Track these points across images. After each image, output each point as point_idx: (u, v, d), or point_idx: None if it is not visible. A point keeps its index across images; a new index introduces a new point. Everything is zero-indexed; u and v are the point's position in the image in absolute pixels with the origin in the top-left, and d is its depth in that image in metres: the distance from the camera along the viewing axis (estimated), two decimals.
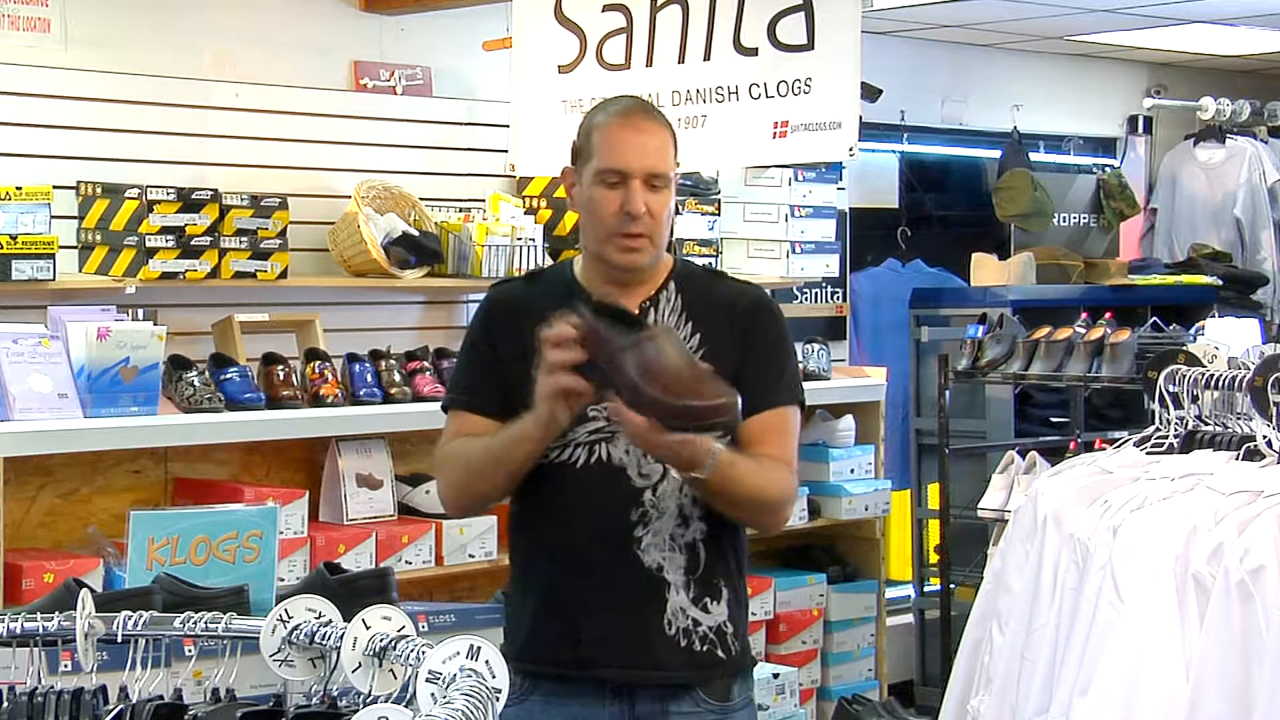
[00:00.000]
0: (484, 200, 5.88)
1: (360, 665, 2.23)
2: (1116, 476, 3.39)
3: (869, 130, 6.46)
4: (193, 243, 4.98)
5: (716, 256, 6.31)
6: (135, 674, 2.37)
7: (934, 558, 6.88)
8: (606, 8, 5.00)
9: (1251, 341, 4.65)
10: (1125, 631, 3.11)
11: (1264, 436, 3.28)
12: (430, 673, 1.99)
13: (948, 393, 6.49)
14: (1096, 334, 6.00)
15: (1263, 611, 2.97)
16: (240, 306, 5.29)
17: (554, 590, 3.03)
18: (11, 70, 5.00)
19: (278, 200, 5.16)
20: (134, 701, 2.34)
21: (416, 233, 5.51)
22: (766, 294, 3.18)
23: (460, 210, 5.81)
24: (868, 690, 6.40)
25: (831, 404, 6.43)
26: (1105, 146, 8.81)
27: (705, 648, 3.00)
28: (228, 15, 5.51)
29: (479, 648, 2.02)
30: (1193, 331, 5.59)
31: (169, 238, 4.94)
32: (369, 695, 2.22)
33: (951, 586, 6.49)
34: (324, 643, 2.32)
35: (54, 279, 4.75)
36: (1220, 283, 8.02)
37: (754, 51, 4.74)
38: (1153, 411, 3.51)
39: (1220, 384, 3.39)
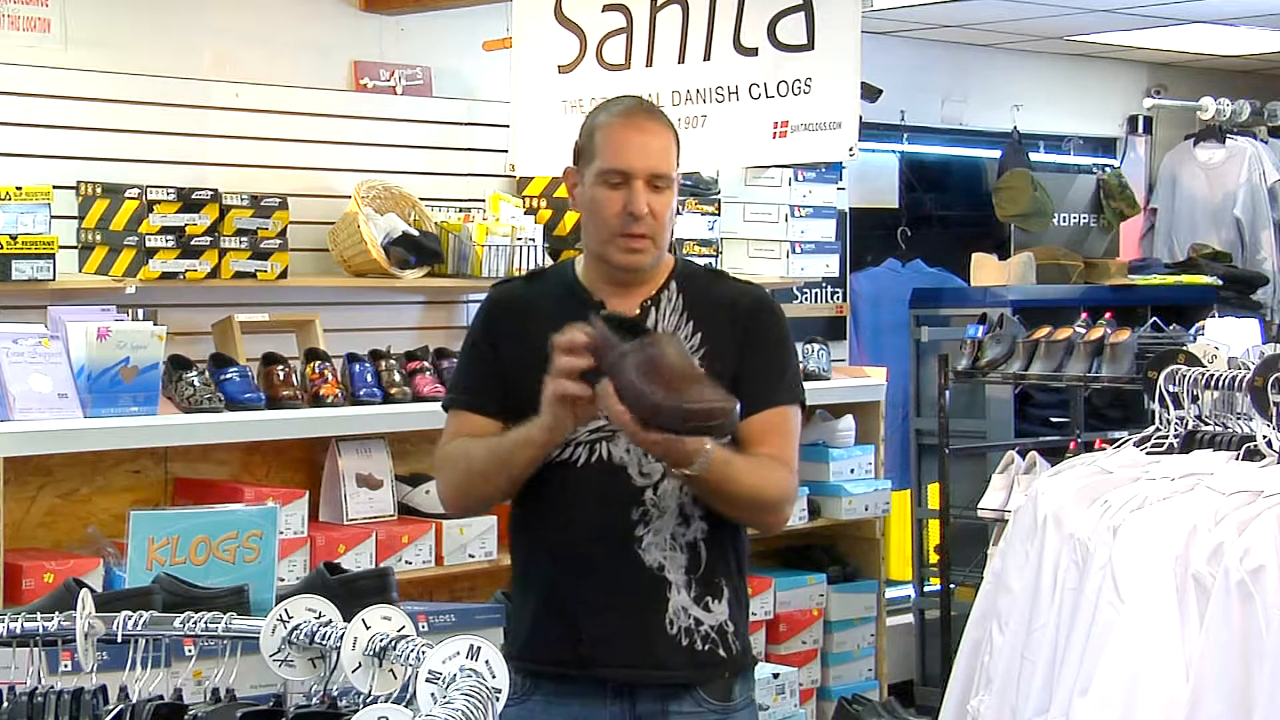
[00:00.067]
0: (484, 200, 5.88)
1: (360, 665, 2.23)
2: (1116, 476, 3.39)
3: (869, 130, 6.46)
4: (193, 243, 4.98)
5: (716, 256, 6.31)
6: (135, 674, 2.37)
7: (934, 558, 6.88)
8: (606, 8, 4.99)
9: (1251, 341, 4.65)
10: (1125, 631, 3.11)
11: (1264, 436, 3.28)
12: (430, 673, 1.99)
13: (948, 393, 6.49)
14: (1096, 334, 6.00)
15: (1263, 611, 2.97)
16: (240, 306, 5.29)
17: (554, 589, 3.03)
18: (11, 70, 5.00)
19: (278, 200, 5.16)
20: (134, 701, 2.34)
21: (416, 233, 5.51)
22: (767, 294, 3.17)
23: (460, 210, 5.82)
24: (868, 690, 6.40)
25: (831, 404, 6.43)
26: (1105, 146, 8.81)
27: (706, 647, 3.00)
28: (228, 15, 5.51)
29: (479, 648, 2.02)
30: (1193, 331, 5.59)
31: (169, 238, 4.94)
32: (369, 695, 2.22)
33: (951, 586, 6.49)
34: (324, 643, 2.32)
35: (54, 279, 4.75)
36: (1220, 283, 8.02)
37: (754, 51, 4.74)
38: (1153, 411, 3.51)
39: (1220, 384, 3.39)
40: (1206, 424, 3.45)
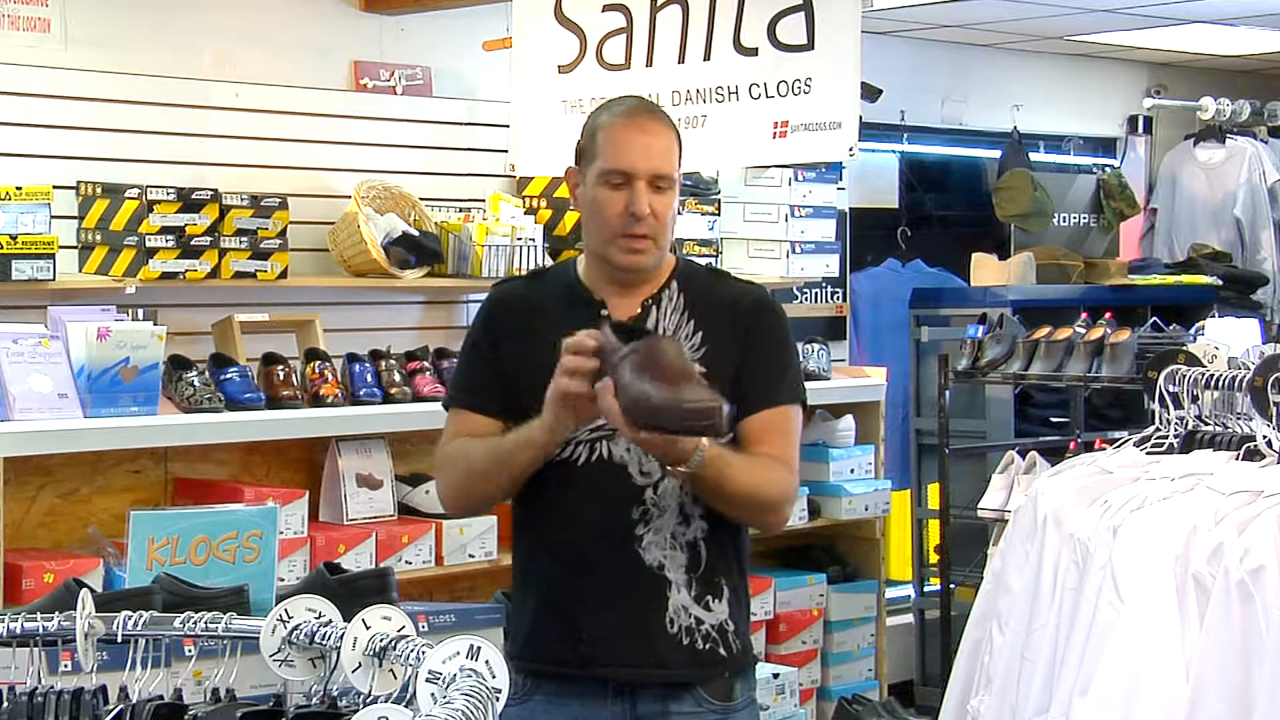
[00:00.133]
0: (484, 200, 5.88)
1: (360, 665, 2.23)
2: (1116, 476, 3.39)
3: (869, 130, 6.46)
4: (193, 243, 4.98)
5: (716, 256, 6.31)
6: (135, 674, 2.37)
7: (934, 558, 6.88)
8: (606, 8, 4.99)
9: (1251, 341, 4.65)
10: (1125, 631, 3.11)
11: (1264, 436, 3.28)
12: (430, 673, 1.99)
13: (948, 393, 6.49)
14: (1096, 334, 6.00)
15: (1263, 611, 2.97)
16: (240, 306, 5.29)
17: (555, 588, 3.03)
18: (11, 70, 5.00)
19: (278, 200, 5.16)
20: (134, 701, 2.34)
21: (416, 233, 5.51)
22: (768, 293, 3.17)
23: (460, 210, 5.81)
24: (868, 690, 6.40)
25: (831, 404, 6.43)
26: (1105, 146, 8.81)
27: (707, 646, 3.00)
28: (228, 15, 5.51)
29: (479, 648, 2.02)
30: (1193, 331, 5.59)
31: (169, 238, 4.94)
32: (369, 695, 2.22)
33: (951, 586, 6.48)
34: (324, 643, 2.32)
35: (54, 279, 4.75)
36: (1220, 283, 8.02)
37: (754, 51, 4.74)
38: (1153, 411, 3.51)
39: (1220, 384, 3.39)
40: (1206, 424, 3.45)
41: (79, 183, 5.06)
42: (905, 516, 7.39)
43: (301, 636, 2.34)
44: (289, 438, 5.18)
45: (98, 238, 5.01)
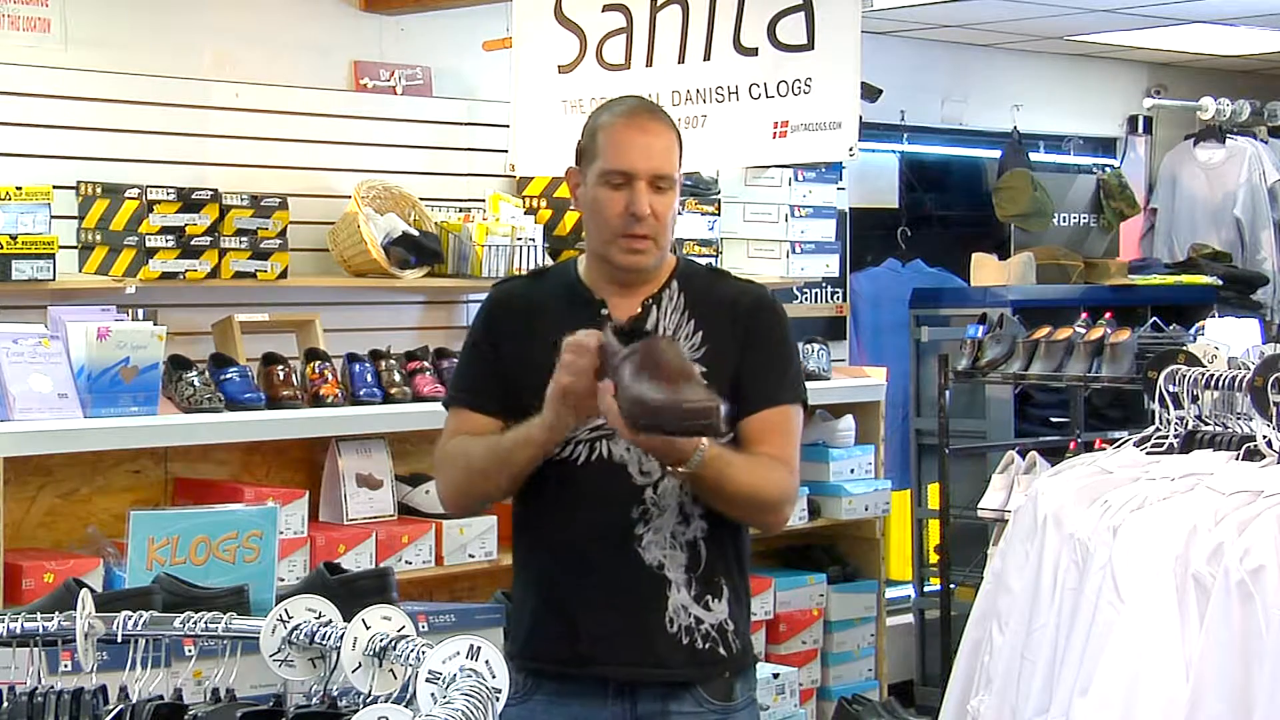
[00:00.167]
0: (484, 200, 5.88)
1: (360, 665, 2.23)
2: (1116, 476, 3.39)
3: (869, 130, 6.46)
4: (193, 243, 4.98)
5: (716, 256, 6.31)
6: (135, 674, 2.37)
7: (934, 558, 6.88)
8: (606, 8, 4.99)
9: (1251, 341, 4.65)
10: (1125, 631, 3.11)
11: (1264, 436, 3.28)
12: (430, 673, 1.99)
13: (948, 393, 6.49)
14: (1096, 334, 6.00)
15: (1263, 611, 2.97)
16: (240, 306, 5.29)
17: (554, 588, 3.03)
18: (11, 70, 5.00)
19: (278, 200, 5.16)
20: (134, 701, 2.34)
21: (416, 233, 5.51)
22: (769, 293, 3.17)
23: (460, 210, 5.81)
24: (868, 690, 6.39)
25: (831, 404, 6.43)
26: (1105, 146, 8.81)
27: (706, 645, 3.00)
28: (228, 15, 5.51)
29: (479, 648, 2.02)
30: (1193, 331, 5.59)
31: (169, 238, 4.94)
32: (369, 695, 2.22)
33: (951, 586, 6.48)
34: (324, 643, 2.32)
35: (54, 279, 4.75)
36: (1220, 283, 8.02)
37: (754, 51, 4.74)
38: (1153, 411, 3.51)
39: (1220, 384, 3.39)
40: (1206, 424, 3.45)
41: (79, 183, 5.06)
42: (905, 516, 7.39)
43: (301, 636, 2.34)
44: (289, 438, 5.18)
45: (98, 238, 5.01)
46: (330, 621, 2.35)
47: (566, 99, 5.03)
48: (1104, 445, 4.05)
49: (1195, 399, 3.44)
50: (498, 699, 1.95)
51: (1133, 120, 8.78)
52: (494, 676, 1.99)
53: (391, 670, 2.21)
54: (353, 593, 3.08)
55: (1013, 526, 3.56)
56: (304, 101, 5.58)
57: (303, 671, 2.36)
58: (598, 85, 4.91)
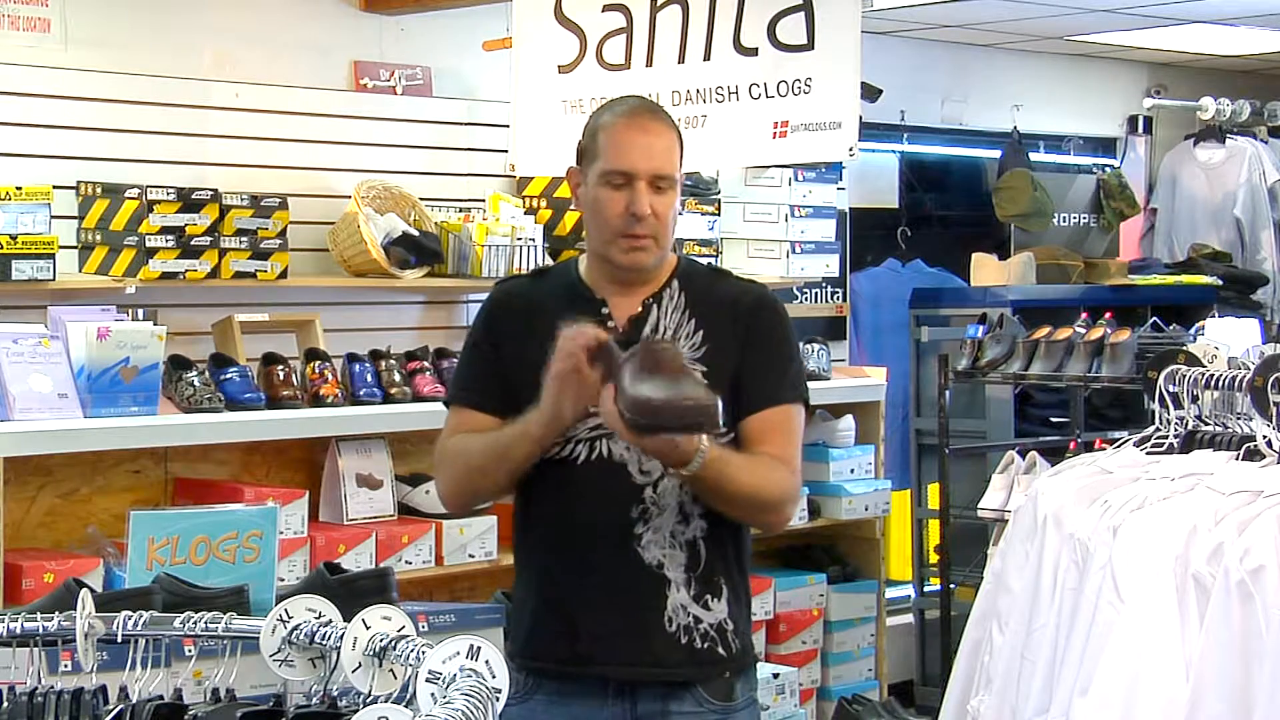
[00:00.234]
0: (484, 200, 5.88)
1: (360, 665, 2.23)
2: (1116, 476, 3.39)
3: (869, 130, 6.46)
4: (193, 243, 4.98)
5: (716, 256, 6.31)
6: (135, 674, 2.37)
7: (934, 558, 6.88)
8: (606, 8, 4.99)
9: (1251, 341, 4.65)
10: (1125, 631, 3.11)
11: (1264, 436, 3.28)
12: (430, 673, 1.99)
13: (948, 393, 6.49)
14: (1096, 334, 6.00)
15: (1263, 611, 2.97)
16: (240, 306, 5.29)
17: (554, 587, 3.03)
18: (11, 70, 5.00)
19: (278, 200, 5.16)
20: (134, 701, 2.34)
21: (416, 233, 5.51)
22: (770, 292, 3.18)
23: (460, 210, 5.81)
24: (868, 690, 6.40)
25: (831, 404, 6.43)
26: (1105, 146, 8.81)
27: (706, 645, 3.00)
28: (228, 15, 5.51)
29: (479, 648, 2.02)
30: (1193, 331, 5.59)
31: (169, 238, 4.94)
32: (369, 695, 2.22)
33: (951, 586, 6.48)
34: (324, 643, 2.32)
35: (54, 279, 4.75)
36: (1220, 283, 8.02)
37: (754, 51, 4.74)
38: (1153, 411, 3.51)
39: (1220, 384, 3.39)
40: (1206, 424, 3.45)
41: (79, 183, 5.06)
42: (905, 516, 7.39)
43: (301, 636, 2.34)
44: (289, 438, 5.18)
45: (98, 238, 5.01)
46: (330, 621, 2.35)
47: (566, 99, 5.03)
48: (1104, 445, 4.05)
49: (1195, 399, 3.44)
50: (498, 699, 1.95)
51: (1133, 120, 8.78)
52: (494, 676, 1.99)
53: (391, 670, 2.21)
54: (353, 593, 3.08)
55: (1013, 526, 3.56)
56: (304, 101, 5.58)
57: (303, 671, 2.36)
58: (598, 85, 4.91)
